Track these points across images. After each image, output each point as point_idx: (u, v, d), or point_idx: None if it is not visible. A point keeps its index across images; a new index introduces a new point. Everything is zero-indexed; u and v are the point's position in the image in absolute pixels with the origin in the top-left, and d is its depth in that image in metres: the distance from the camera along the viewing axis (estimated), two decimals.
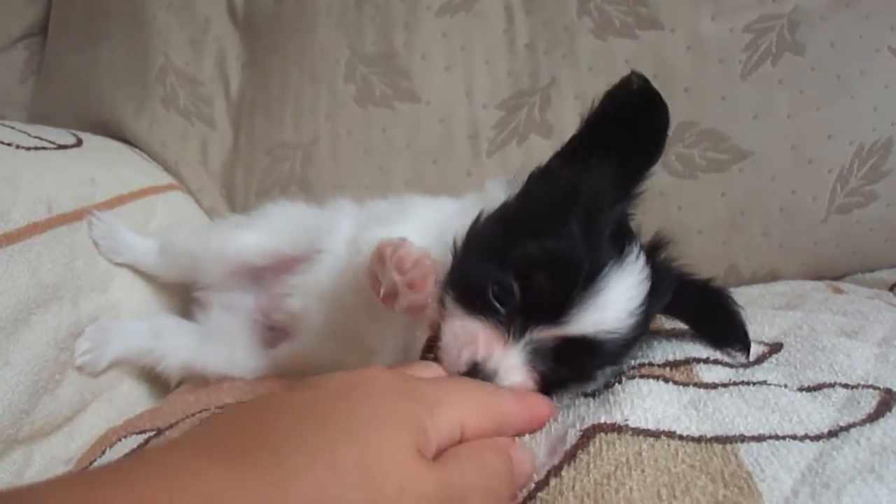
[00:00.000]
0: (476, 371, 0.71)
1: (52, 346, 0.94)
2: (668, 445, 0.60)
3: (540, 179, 0.84)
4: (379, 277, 0.77)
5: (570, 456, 0.60)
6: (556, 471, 0.59)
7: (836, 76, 1.36)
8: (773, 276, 1.40)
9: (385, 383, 0.57)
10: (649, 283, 0.77)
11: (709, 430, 0.63)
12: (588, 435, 0.62)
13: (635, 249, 0.77)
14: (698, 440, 0.61)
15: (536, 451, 0.64)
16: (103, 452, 0.88)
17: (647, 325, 0.79)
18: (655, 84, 1.32)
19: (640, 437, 0.61)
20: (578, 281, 0.71)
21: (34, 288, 0.93)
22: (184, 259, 1.18)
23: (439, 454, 0.55)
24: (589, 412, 0.68)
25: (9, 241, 0.91)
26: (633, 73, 0.79)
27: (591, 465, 0.58)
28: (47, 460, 0.93)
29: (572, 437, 0.63)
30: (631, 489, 0.53)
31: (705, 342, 0.86)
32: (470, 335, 0.73)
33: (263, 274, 1.15)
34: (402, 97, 1.47)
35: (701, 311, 0.86)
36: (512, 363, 0.72)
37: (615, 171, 0.79)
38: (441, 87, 1.46)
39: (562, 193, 0.79)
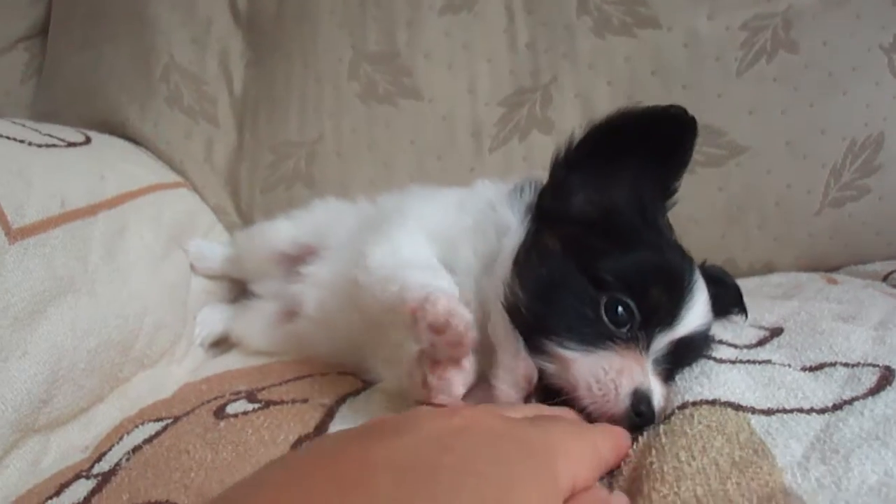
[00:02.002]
0: (640, 399, 0.68)
1: (70, 337, 0.95)
2: (684, 415, 0.62)
3: (559, 193, 0.84)
4: (417, 342, 0.72)
5: None
6: None
7: (829, 73, 1.40)
8: (768, 269, 1.43)
9: (492, 429, 0.50)
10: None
11: (721, 395, 0.65)
12: None
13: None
14: (712, 403, 0.64)
15: None
16: (121, 439, 0.89)
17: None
18: (654, 81, 1.37)
19: (657, 426, 0.64)
20: (684, 285, 0.75)
21: (49, 280, 0.94)
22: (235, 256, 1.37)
23: None
24: None
25: (24, 234, 0.92)
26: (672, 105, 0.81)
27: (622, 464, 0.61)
28: (64, 448, 0.94)
29: None
30: (651, 463, 0.56)
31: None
32: (614, 366, 0.70)
33: (295, 264, 1.18)
34: (405, 94, 1.49)
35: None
36: (653, 378, 0.72)
37: (647, 181, 0.82)
38: (443, 84, 1.49)
39: (612, 206, 0.81)
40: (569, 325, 0.72)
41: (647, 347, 0.72)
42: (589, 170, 0.82)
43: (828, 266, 1.42)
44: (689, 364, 0.77)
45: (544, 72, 1.46)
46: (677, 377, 0.74)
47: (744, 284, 1.29)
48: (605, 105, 1.42)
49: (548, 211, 0.84)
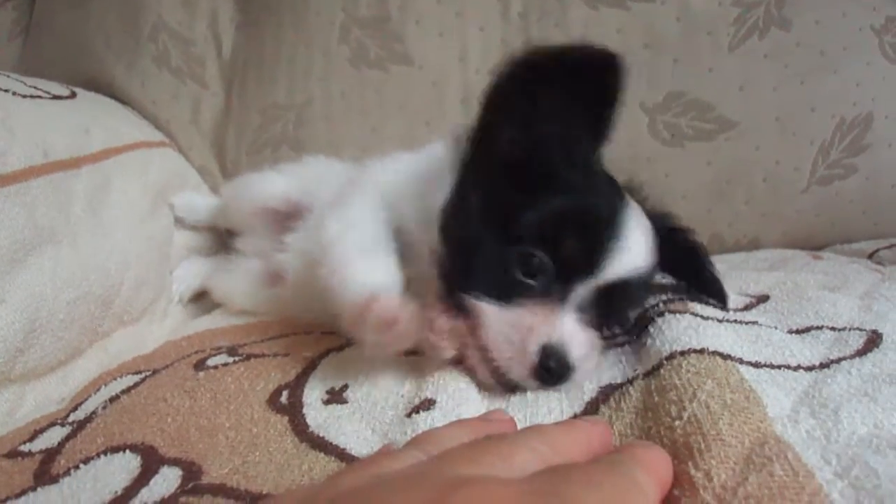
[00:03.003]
0: (548, 354, 0.68)
1: (50, 287, 0.94)
2: (672, 365, 0.62)
3: (487, 140, 0.79)
4: (360, 340, 0.73)
5: (593, 410, 0.63)
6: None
7: (820, 52, 1.40)
8: (754, 245, 1.43)
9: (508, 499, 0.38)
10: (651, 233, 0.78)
11: (709, 345, 0.65)
12: (606, 392, 0.66)
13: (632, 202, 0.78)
14: (700, 351, 0.63)
15: (557, 410, 0.66)
16: (97, 390, 0.87)
17: (656, 263, 0.80)
18: (645, 54, 1.37)
19: (648, 378, 0.64)
20: (604, 230, 0.72)
21: (30, 229, 0.93)
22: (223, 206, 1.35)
23: None
24: (602, 367, 0.72)
25: (5, 182, 0.91)
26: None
27: (614, 419, 0.60)
28: (40, 400, 0.93)
29: (590, 390, 0.66)
30: (649, 428, 0.55)
31: (684, 288, 0.88)
32: (523, 321, 0.70)
33: (285, 220, 1.16)
34: (395, 60, 1.48)
35: (680, 260, 0.88)
36: (570, 329, 0.70)
37: (577, 120, 0.76)
38: (435, 51, 1.48)
39: (533, 148, 0.76)
40: (483, 281, 0.72)
41: (565, 298, 0.71)
42: (515, 109, 0.77)
43: (814, 245, 1.42)
44: (625, 310, 0.77)
45: (536, 41, 1.43)
46: (664, 329, 0.73)
47: (730, 259, 1.31)
48: None
49: (473, 157, 0.81)
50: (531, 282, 0.72)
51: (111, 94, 1.52)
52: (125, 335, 1.12)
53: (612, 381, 0.68)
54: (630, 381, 0.66)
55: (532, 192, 0.74)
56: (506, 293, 0.71)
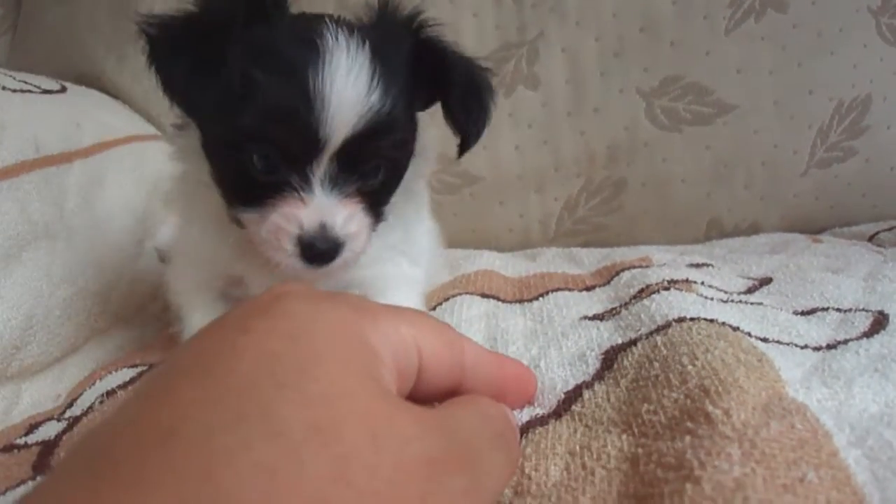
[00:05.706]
0: (313, 243, 0.69)
1: (46, 283, 0.93)
2: (682, 327, 0.61)
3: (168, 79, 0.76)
4: None
5: (598, 377, 0.61)
6: (588, 385, 0.59)
7: (818, 34, 1.38)
8: (754, 229, 1.43)
9: (302, 293, 0.42)
10: (378, 55, 0.70)
11: (719, 318, 0.64)
12: (609, 357, 0.64)
13: (335, 33, 0.69)
14: (711, 321, 0.62)
15: (551, 374, 0.64)
16: (93, 384, 0.87)
17: (404, 94, 0.73)
18: (641, 37, 1.35)
19: (653, 336, 0.62)
20: (310, 97, 0.66)
21: (24, 224, 0.92)
22: None
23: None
24: (603, 337, 0.69)
25: None
26: None
27: (619, 377, 0.59)
28: (36, 398, 0.92)
29: (593, 359, 0.64)
30: (657, 376, 0.54)
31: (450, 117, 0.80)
32: (274, 221, 0.70)
33: None
34: None
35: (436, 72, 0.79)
36: (330, 207, 0.70)
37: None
38: None
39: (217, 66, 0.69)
40: (239, 194, 0.74)
41: (306, 181, 0.70)
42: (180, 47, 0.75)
43: (813, 228, 1.41)
44: (388, 155, 0.74)
45: (531, 27, 1.43)
46: (672, 301, 0.72)
47: (729, 244, 1.30)
48: (593, 61, 1.41)
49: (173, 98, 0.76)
50: (272, 178, 0.70)
51: (102, 89, 1.51)
52: (123, 330, 1.11)
53: (613, 343, 0.66)
54: (634, 342, 0.64)
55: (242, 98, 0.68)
56: (257, 199, 0.71)
